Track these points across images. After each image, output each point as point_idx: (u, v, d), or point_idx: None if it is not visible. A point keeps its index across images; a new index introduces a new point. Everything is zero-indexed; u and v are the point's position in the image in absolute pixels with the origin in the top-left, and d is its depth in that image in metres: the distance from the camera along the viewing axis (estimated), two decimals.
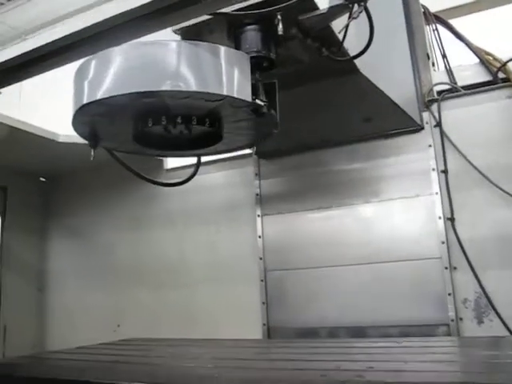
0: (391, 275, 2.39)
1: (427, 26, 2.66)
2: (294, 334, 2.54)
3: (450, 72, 2.52)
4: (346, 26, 1.70)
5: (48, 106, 2.93)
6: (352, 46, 1.85)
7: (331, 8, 1.62)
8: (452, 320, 2.23)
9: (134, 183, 2.68)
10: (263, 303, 2.66)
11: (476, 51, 2.50)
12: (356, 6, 1.62)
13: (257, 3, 1.57)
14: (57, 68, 1.76)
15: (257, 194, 2.78)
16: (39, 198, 3.52)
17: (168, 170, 3.15)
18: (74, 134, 1.76)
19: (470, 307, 2.25)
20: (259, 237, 2.73)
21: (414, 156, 2.45)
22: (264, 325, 2.63)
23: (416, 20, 2.54)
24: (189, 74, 1.46)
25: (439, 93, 2.48)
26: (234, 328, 2.69)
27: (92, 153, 1.73)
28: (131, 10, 1.45)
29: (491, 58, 2.43)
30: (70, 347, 2.53)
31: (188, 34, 1.74)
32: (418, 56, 2.52)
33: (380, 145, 2.53)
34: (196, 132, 1.74)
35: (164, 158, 3.15)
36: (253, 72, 1.59)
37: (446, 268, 2.28)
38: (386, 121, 2.42)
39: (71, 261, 3.44)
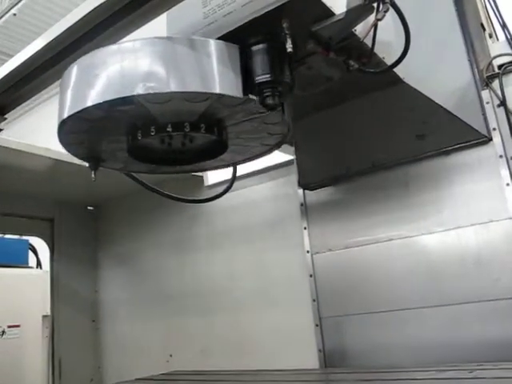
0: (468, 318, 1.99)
1: None
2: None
3: (511, 41, 2.14)
4: (374, 30, 1.41)
5: None
6: (391, 50, 1.57)
7: (349, 12, 1.34)
8: None
9: (178, 204, 2.55)
10: (316, 325, 2.37)
11: None
12: (381, 4, 1.33)
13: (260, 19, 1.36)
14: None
15: (301, 204, 2.52)
16: (87, 228, 3.49)
17: (209, 187, 2.98)
18: None
19: None
20: (307, 252, 2.46)
21: (482, 173, 2.04)
22: (320, 351, 2.34)
23: None
24: (164, 73, 1.26)
25: (500, 67, 2.10)
26: (288, 353, 2.45)
27: (93, 175, 1.59)
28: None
29: None
30: (126, 379, 2.44)
31: None
32: (471, 29, 2.16)
33: (439, 164, 2.14)
34: (201, 142, 1.54)
35: (204, 175, 2.99)
36: (265, 98, 1.36)
37: None
38: (443, 135, 2.05)
39: (122, 289, 3.36)
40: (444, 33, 2.10)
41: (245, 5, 1.37)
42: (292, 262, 2.53)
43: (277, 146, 1.68)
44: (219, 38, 1.45)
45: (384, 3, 1.31)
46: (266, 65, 1.44)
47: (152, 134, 1.38)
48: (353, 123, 2.08)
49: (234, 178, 2.24)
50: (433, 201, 2.14)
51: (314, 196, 2.49)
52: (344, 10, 1.35)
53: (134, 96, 1.23)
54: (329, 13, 1.36)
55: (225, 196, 2.69)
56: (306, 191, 2.51)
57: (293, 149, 2.57)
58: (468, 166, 2.07)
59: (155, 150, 1.56)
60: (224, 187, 2.31)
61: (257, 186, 2.78)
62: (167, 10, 1.42)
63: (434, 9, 2.06)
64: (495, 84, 2.06)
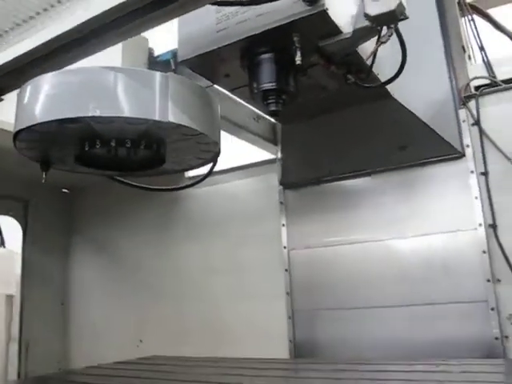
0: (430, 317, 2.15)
1: (462, 17, 2.45)
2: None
3: (488, 65, 2.31)
4: (375, 52, 1.52)
5: None
6: (382, 66, 1.68)
7: (356, 32, 1.45)
8: (496, 338, 2.01)
9: (157, 194, 2.58)
10: (289, 318, 2.49)
11: None
12: (385, 28, 1.43)
13: (272, 31, 1.45)
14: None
15: (281, 203, 2.62)
16: (62, 211, 3.47)
17: (190, 178, 3.03)
18: None
19: None
20: (284, 247, 2.57)
21: (454, 186, 2.20)
22: (290, 341, 2.47)
23: (450, 11, 2.35)
24: (108, 99, 1.42)
25: (477, 88, 2.27)
26: (259, 343, 2.54)
27: (44, 175, 1.72)
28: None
29: None
30: (96, 362, 2.47)
31: (196, 65, 1.66)
32: (453, 50, 2.31)
33: (416, 174, 2.28)
34: (143, 154, 1.66)
35: None
36: (269, 105, 1.54)
37: (489, 280, 2.06)
38: (422, 148, 2.20)
39: (95, 274, 3.37)
40: (429, 52, 2.24)
41: (259, 15, 1.45)
42: (268, 256, 2.63)
43: (212, 160, 1.81)
44: (229, 45, 1.54)
45: (389, 28, 1.42)
46: (273, 74, 1.53)
47: (97, 146, 1.54)
48: (339, 131, 2.20)
49: (210, 172, 2.33)
50: (407, 208, 2.29)
51: (293, 195, 2.60)
52: (351, 29, 1.46)
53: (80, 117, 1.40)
54: (337, 30, 1.45)
55: (204, 189, 2.76)
56: (286, 190, 2.61)
57: (275, 148, 2.68)
58: (442, 178, 2.23)
59: (102, 157, 1.67)
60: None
61: (237, 181, 2.85)
62: (180, 15, 1.47)
63: (421, 29, 2.19)
64: (471, 104, 2.22)
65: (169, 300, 3.00)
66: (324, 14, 1.36)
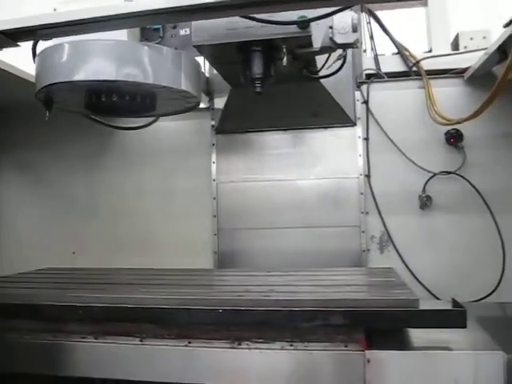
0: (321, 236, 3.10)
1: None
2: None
3: (376, 60, 3.16)
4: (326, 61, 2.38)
5: None
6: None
7: (322, 48, 2.17)
8: (363, 250, 3.03)
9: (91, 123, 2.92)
10: (214, 234, 3.23)
11: (397, 45, 3.16)
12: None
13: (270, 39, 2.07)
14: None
15: (213, 144, 3.26)
16: None
17: None
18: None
19: (375, 241, 3.07)
20: (213, 180, 3.25)
21: (346, 145, 3.10)
22: (215, 253, 3.22)
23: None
24: (142, 69, 1.97)
25: (367, 76, 3.13)
26: (189, 256, 3.22)
27: (47, 114, 2.15)
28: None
29: (408, 53, 3.12)
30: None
31: (202, 48, 2.19)
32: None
33: (320, 134, 3.13)
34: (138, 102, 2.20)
35: None
36: (255, 87, 2.18)
37: (362, 212, 3.05)
38: (328, 116, 3.04)
39: (22, 192, 3.60)
40: None
41: (262, 26, 2.03)
42: (199, 186, 3.27)
43: (190, 110, 2.45)
44: (235, 42, 2.10)
45: (344, 50, 2.15)
46: (261, 66, 2.16)
47: (114, 99, 2.06)
48: (271, 98, 2.79)
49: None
50: (310, 158, 3.14)
51: (223, 139, 3.25)
52: (319, 45, 2.15)
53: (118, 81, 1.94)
54: (310, 45, 2.13)
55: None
56: (218, 134, 3.25)
57: (206, 98, 3.26)
58: (337, 139, 3.11)
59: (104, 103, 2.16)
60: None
61: (173, 122, 3.33)
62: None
63: None
64: (363, 88, 3.09)
65: (102, 218, 3.43)
66: (309, 37, 2.02)
